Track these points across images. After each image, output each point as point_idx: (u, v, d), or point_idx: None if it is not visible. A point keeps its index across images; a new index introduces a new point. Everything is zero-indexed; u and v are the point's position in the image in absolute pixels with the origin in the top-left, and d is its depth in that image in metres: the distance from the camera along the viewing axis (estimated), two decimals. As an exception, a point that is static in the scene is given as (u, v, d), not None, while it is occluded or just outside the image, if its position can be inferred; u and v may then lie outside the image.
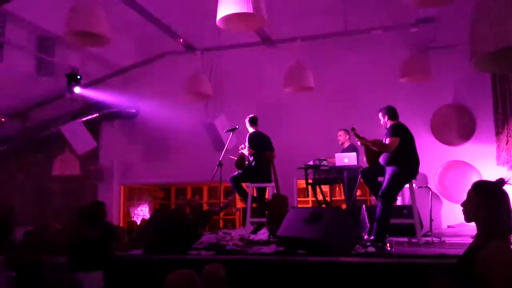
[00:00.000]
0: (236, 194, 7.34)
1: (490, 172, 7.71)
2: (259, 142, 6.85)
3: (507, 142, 7.62)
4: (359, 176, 6.00)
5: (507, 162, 7.66)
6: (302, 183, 7.34)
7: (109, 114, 10.60)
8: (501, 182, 2.47)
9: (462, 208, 2.55)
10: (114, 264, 4.52)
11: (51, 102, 9.95)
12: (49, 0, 7.40)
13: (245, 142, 6.83)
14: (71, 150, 9.59)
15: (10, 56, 8.00)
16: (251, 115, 7.12)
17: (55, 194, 11.29)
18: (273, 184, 6.50)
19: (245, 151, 6.73)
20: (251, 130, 7.00)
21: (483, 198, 2.44)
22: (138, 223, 6.94)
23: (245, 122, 7.12)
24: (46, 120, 10.63)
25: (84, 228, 4.55)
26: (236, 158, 6.86)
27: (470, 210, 2.49)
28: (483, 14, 2.72)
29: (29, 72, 8.54)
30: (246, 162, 6.85)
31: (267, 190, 7.04)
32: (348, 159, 6.59)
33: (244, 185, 7.05)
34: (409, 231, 5.51)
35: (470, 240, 5.26)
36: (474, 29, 2.83)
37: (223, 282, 3.31)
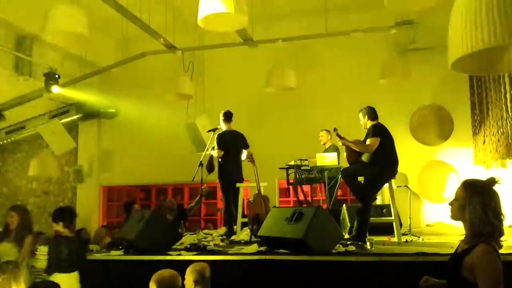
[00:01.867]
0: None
1: (468, 171, 7.85)
2: (228, 141, 6.58)
3: (484, 142, 7.78)
4: (340, 176, 6.05)
5: (484, 162, 7.82)
6: (283, 183, 7.35)
7: (89, 114, 10.45)
8: (492, 181, 2.28)
9: (450, 207, 2.37)
10: (89, 265, 4.53)
11: (29, 102, 9.76)
12: (28, -1, 7.29)
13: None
14: (49, 150, 9.44)
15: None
16: (225, 110, 6.79)
17: (33, 195, 11.11)
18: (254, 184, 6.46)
19: (214, 153, 6.51)
20: (223, 127, 6.72)
21: (471, 198, 2.24)
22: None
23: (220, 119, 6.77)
24: (24, 120, 10.45)
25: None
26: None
27: (457, 209, 2.31)
28: (460, 17, 2.77)
29: (7, 71, 8.39)
30: (215, 164, 6.63)
31: (248, 190, 7.01)
32: (328, 159, 6.64)
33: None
34: (389, 230, 5.58)
35: (448, 239, 5.38)
36: (452, 31, 2.88)
37: (208, 282, 3.31)
